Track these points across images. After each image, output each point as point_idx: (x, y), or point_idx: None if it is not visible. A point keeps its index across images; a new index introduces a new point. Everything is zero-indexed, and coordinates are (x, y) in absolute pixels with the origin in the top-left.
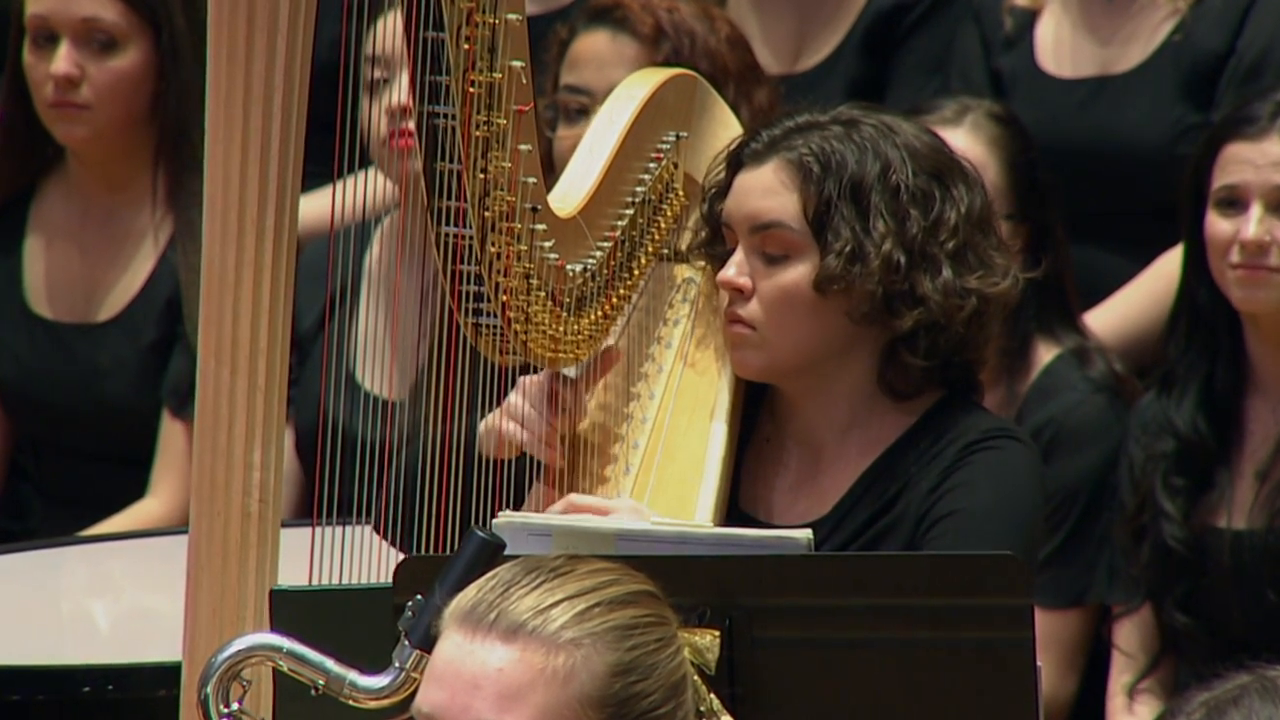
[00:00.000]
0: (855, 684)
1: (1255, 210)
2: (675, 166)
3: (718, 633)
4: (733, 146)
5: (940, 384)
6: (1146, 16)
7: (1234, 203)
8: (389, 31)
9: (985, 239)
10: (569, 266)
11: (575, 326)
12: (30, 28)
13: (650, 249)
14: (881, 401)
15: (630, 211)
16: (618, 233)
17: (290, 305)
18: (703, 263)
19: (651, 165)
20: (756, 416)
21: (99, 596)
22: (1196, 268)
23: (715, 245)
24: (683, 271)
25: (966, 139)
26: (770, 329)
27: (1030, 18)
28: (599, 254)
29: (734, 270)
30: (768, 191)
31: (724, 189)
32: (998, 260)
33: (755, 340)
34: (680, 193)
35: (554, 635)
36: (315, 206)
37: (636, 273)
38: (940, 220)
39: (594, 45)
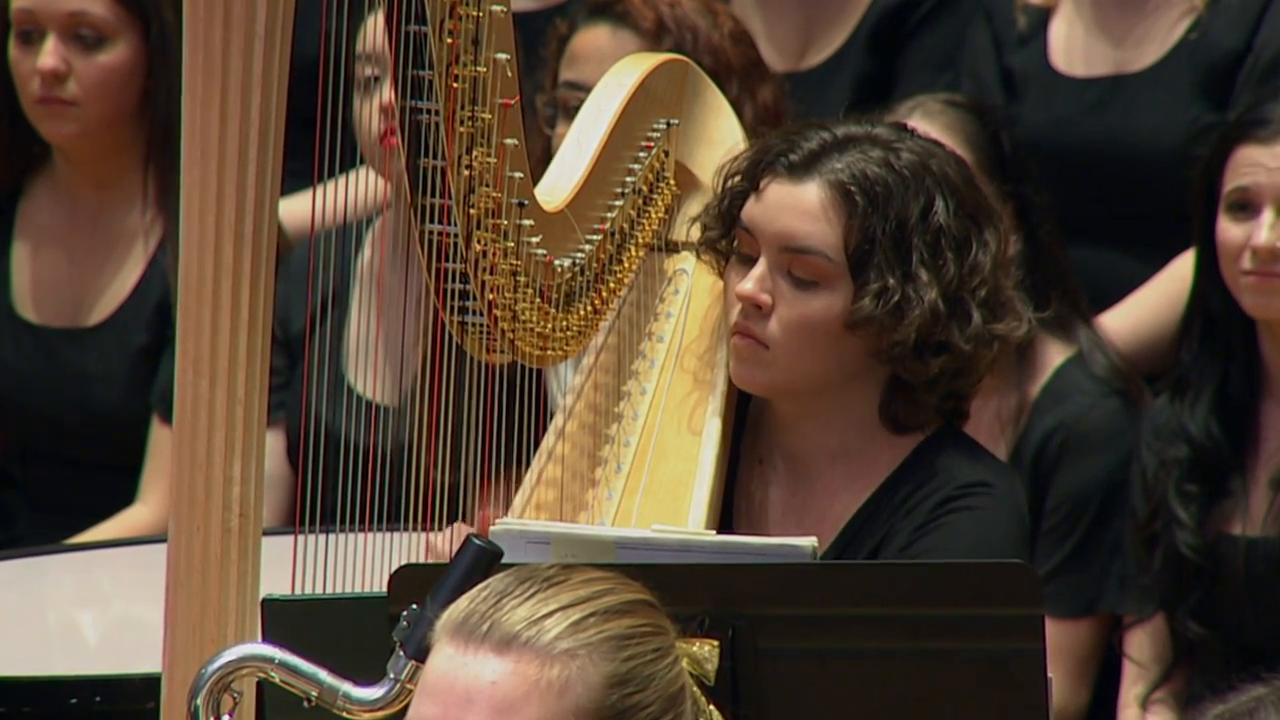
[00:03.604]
0: (861, 695)
1: (1267, 215)
2: (666, 155)
3: (716, 643)
4: (757, 148)
5: (936, 413)
6: (1162, 15)
7: (1245, 206)
8: (379, 28)
9: (1006, 279)
10: (557, 261)
11: (564, 323)
12: (16, 22)
13: (641, 240)
14: (878, 432)
15: (620, 203)
16: (607, 225)
17: (270, 314)
18: (706, 256)
19: (642, 154)
20: (741, 429)
21: (87, 606)
22: (1208, 272)
23: (723, 243)
24: (674, 263)
25: (916, 127)
26: (785, 351)
27: (1044, 16)
28: (588, 247)
29: (754, 285)
30: (807, 215)
31: (745, 191)
32: (1017, 303)
33: (766, 359)
34: (671, 181)
35: (548, 646)
36: (310, 207)
37: (627, 265)
38: (975, 267)
39: (594, 41)
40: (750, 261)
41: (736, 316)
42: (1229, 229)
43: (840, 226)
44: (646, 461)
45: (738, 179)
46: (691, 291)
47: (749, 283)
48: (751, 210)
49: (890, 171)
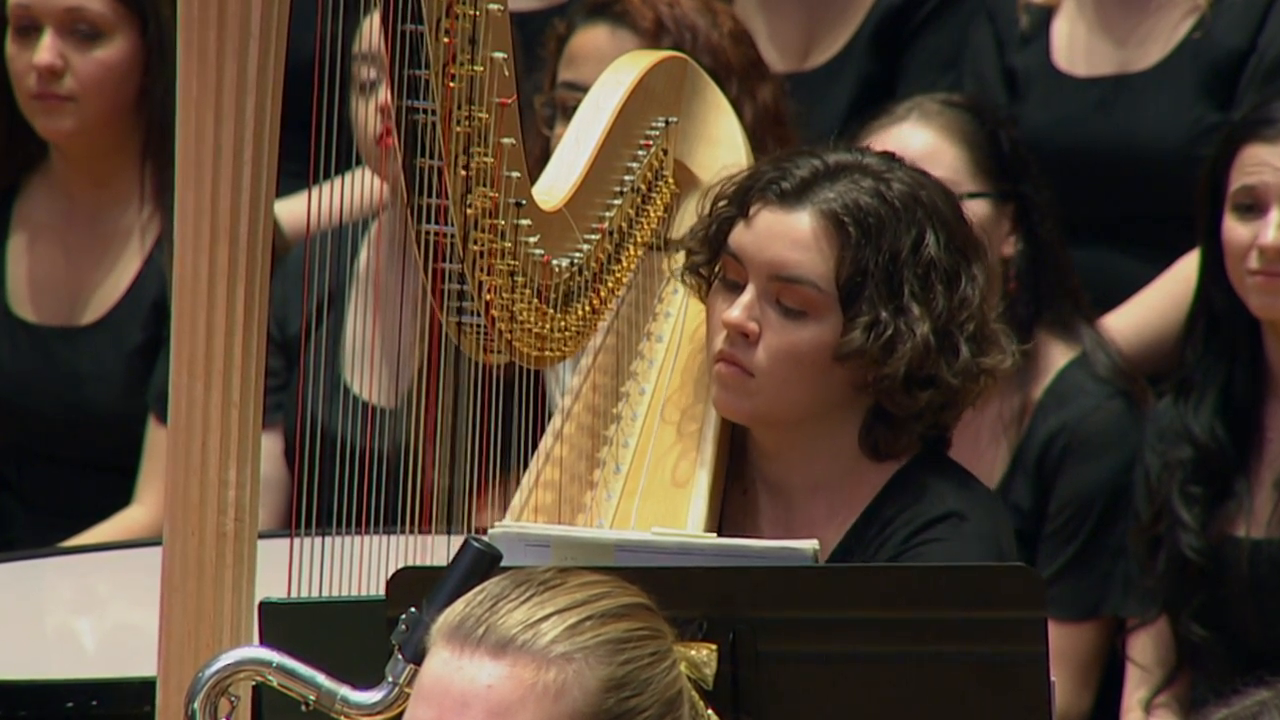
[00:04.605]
0: (863, 699)
1: (1275, 215)
2: (665, 153)
3: (714, 647)
4: (746, 174)
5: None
6: (1165, 14)
7: (1252, 206)
8: (375, 28)
9: (991, 312)
10: (555, 261)
11: (562, 323)
12: (12, 17)
13: (639, 239)
14: (859, 462)
15: (618, 201)
16: (605, 224)
17: (265, 317)
18: (690, 281)
19: (640, 152)
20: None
21: (84, 609)
22: (1214, 272)
23: (708, 266)
24: (673, 262)
25: (914, 129)
26: (770, 381)
27: (1046, 15)
28: (586, 247)
29: (742, 312)
30: (798, 244)
31: (733, 217)
32: (1002, 336)
33: (751, 388)
34: (670, 180)
35: (544, 650)
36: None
37: (625, 264)
38: (963, 300)
39: (593, 40)
40: (736, 288)
41: (721, 343)
42: (1235, 228)
43: (832, 257)
44: (645, 462)
45: (725, 204)
46: (690, 291)
47: (736, 310)
48: (740, 237)
49: (882, 202)
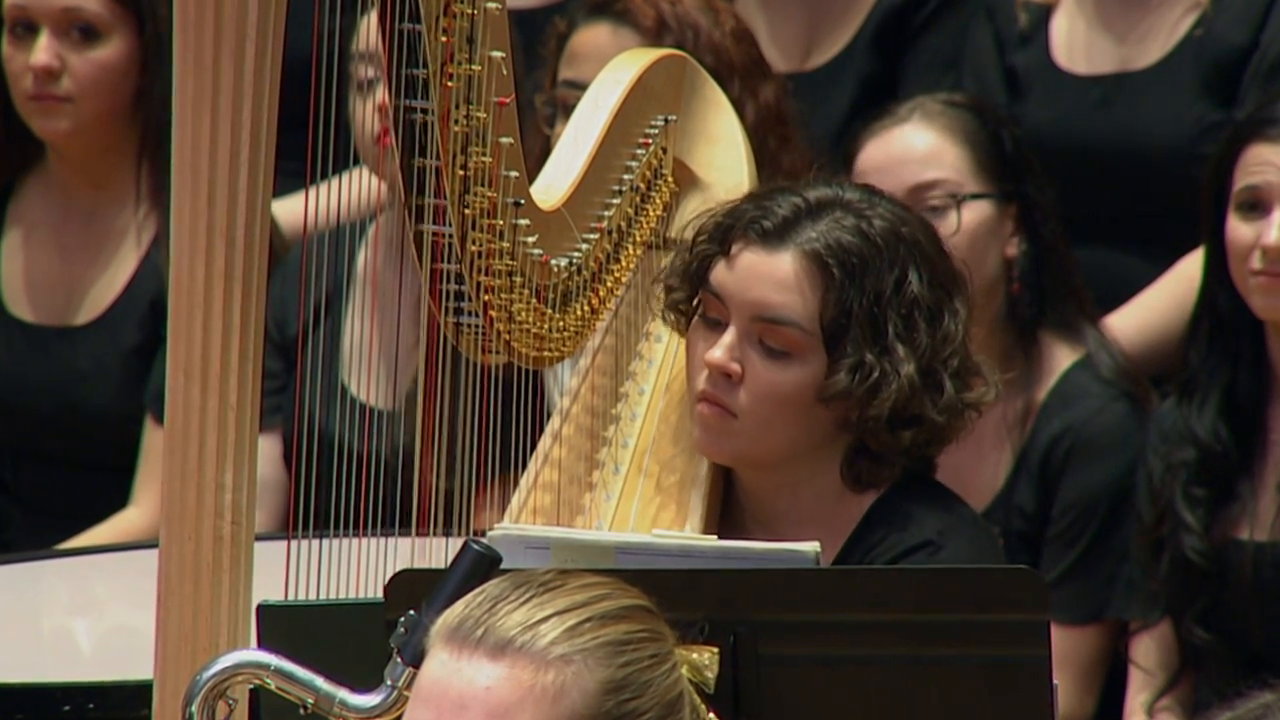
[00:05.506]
0: (864, 702)
1: (1278, 215)
2: (664, 151)
3: (716, 649)
4: (726, 211)
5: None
6: (1166, 11)
7: (1256, 206)
8: (374, 27)
9: (973, 343)
10: (554, 261)
11: (561, 323)
12: (8, 18)
13: (638, 238)
14: (843, 494)
15: (617, 200)
16: (604, 223)
17: (262, 319)
18: (671, 317)
19: (639, 151)
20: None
21: (80, 612)
22: (1217, 272)
23: (687, 303)
24: (670, 261)
25: (916, 130)
26: (754, 422)
27: (1045, 13)
28: (585, 246)
29: (724, 353)
30: (781, 285)
31: (714, 254)
32: (984, 368)
33: (734, 429)
34: (670, 178)
35: (543, 651)
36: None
37: (624, 264)
38: (946, 336)
39: (594, 39)
40: (716, 325)
41: (704, 384)
42: (1239, 228)
43: (815, 298)
44: (644, 463)
45: (705, 241)
46: None
47: (719, 351)
48: (722, 276)
49: (865, 241)
